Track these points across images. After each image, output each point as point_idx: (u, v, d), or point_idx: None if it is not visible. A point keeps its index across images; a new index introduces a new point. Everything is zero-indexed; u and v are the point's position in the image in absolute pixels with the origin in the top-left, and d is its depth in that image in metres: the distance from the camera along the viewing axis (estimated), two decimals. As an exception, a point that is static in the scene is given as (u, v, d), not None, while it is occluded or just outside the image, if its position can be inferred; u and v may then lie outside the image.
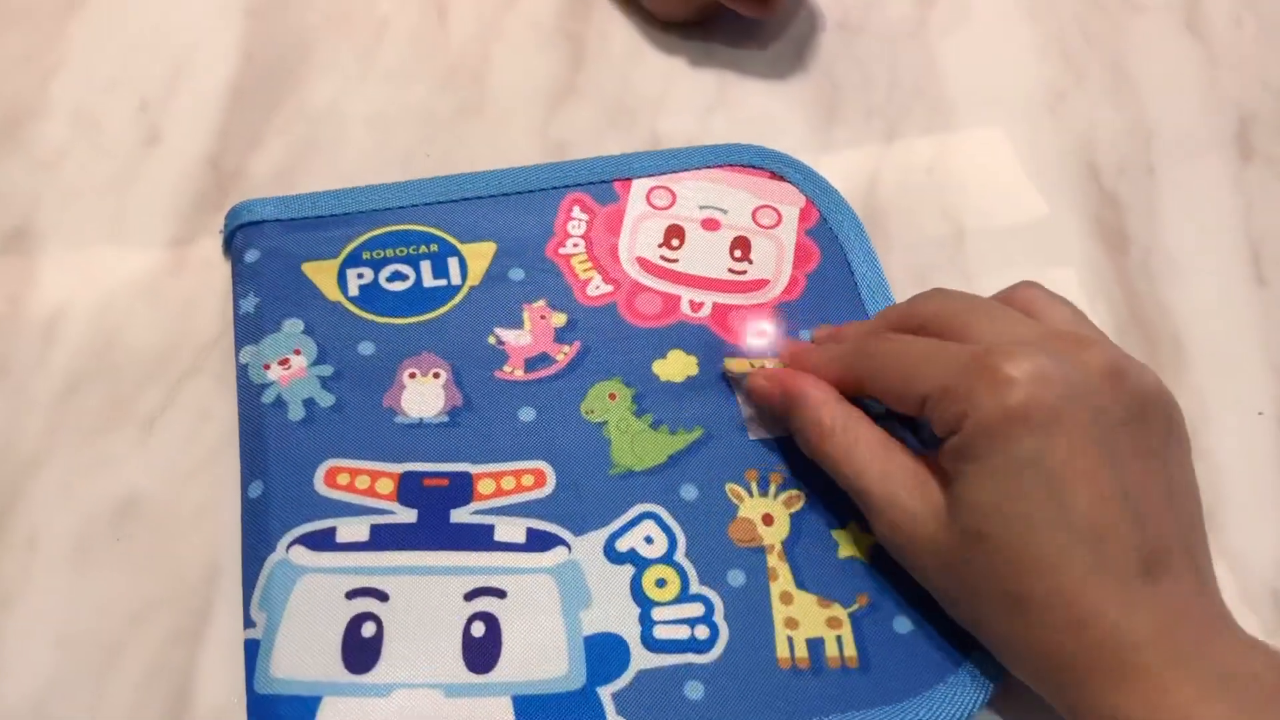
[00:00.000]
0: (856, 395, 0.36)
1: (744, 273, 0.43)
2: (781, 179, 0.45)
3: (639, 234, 0.44)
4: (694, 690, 0.33)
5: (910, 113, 0.49)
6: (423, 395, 0.39)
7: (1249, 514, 0.40)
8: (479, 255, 0.42)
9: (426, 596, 0.34)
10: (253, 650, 0.33)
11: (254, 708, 0.32)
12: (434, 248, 0.42)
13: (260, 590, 0.34)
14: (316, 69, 0.50)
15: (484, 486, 0.37)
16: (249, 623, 0.34)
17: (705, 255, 0.43)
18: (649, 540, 0.36)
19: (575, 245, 0.43)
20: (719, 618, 0.35)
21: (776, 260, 0.43)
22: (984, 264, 0.45)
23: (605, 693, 0.33)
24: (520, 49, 0.51)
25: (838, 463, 0.35)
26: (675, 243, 0.43)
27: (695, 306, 0.42)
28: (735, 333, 0.41)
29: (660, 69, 0.50)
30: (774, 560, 0.36)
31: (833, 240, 0.44)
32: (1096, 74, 0.51)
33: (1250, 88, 0.51)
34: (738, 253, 0.43)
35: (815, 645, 0.35)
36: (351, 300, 0.41)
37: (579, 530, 0.36)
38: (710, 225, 0.44)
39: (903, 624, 0.35)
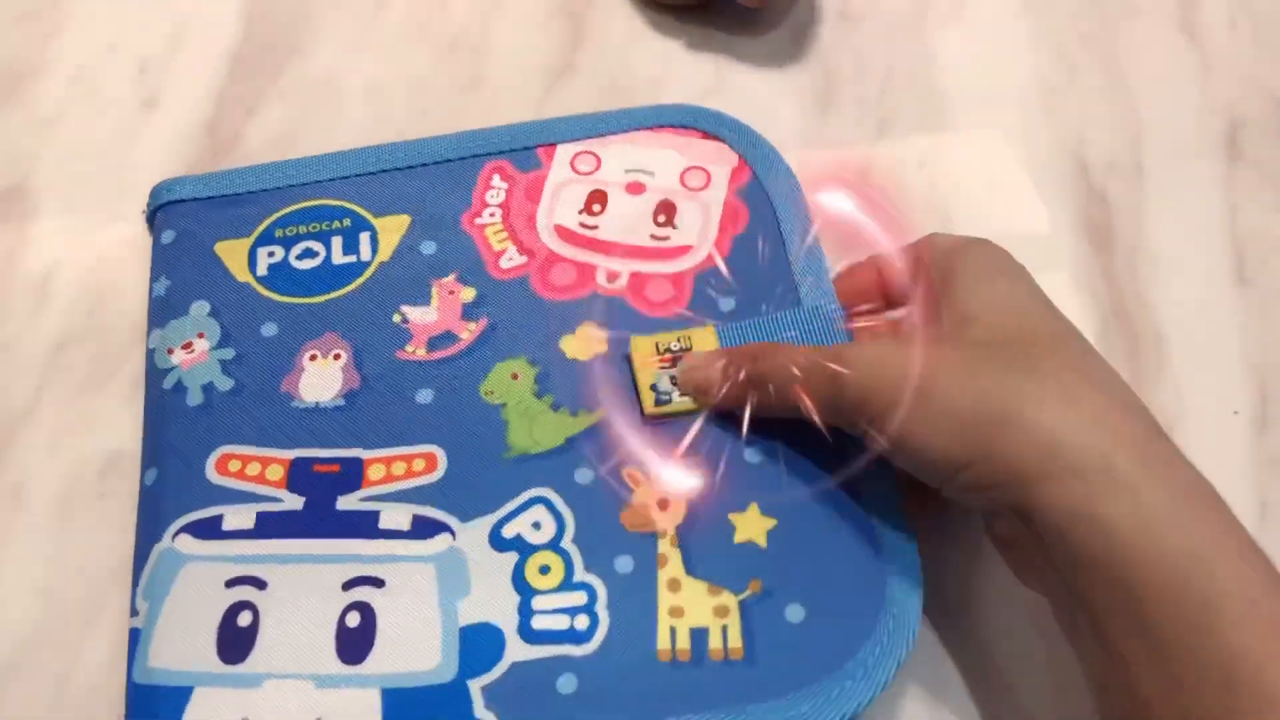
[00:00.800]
0: None
1: (667, 238, 0.41)
2: (714, 137, 0.43)
3: (559, 201, 0.42)
4: (567, 684, 0.33)
5: (905, 106, 0.49)
6: (321, 378, 0.38)
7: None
8: (391, 229, 0.41)
9: (305, 585, 0.34)
10: (134, 639, 0.34)
11: (132, 698, 0.33)
12: (346, 223, 0.41)
13: (145, 579, 0.35)
14: (317, 38, 0.49)
15: (374, 472, 0.36)
16: (134, 611, 0.34)
17: (626, 220, 0.41)
18: (536, 526, 0.35)
19: (491, 215, 0.42)
20: (600, 607, 0.34)
21: (701, 225, 0.41)
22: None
23: (475, 686, 0.33)
24: (520, 25, 0.50)
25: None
26: (596, 208, 0.42)
27: (611, 276, 0.40)
28: (651, 303, 0.40)
29: (659, 52, 0.50)
30: (665, 546, 0.35)
31: (765, 200, 0.42)
32: (1090, 72, 0.50)
33: (1242, 92, 0.49)
34: (661, 218, 0.41)
35: (699, 635, 0.33)
36: (260, 280, 0.40)
37: (466, 516, 0.35)
38: (635, 189, 0.42)
39: (795, 612, 0.34)
